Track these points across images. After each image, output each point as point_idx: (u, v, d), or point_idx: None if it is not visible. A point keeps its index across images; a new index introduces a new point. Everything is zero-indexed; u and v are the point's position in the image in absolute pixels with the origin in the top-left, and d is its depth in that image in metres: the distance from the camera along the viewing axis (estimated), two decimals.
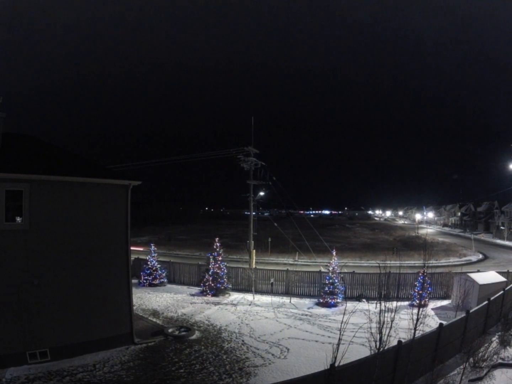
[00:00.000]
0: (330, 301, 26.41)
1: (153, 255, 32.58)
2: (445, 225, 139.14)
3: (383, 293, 20.93)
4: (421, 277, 25.32)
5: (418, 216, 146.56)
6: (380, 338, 11.43)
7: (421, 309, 13.00)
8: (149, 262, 32.57)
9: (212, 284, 28.92)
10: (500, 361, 16.67)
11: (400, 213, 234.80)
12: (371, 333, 11.62)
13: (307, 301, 27.78)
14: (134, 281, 26.66)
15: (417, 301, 23.54)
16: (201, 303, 27.00)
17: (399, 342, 13.44)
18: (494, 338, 19.17)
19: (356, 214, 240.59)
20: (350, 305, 24.25)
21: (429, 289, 27.12)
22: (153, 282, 32.07)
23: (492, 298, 20.50)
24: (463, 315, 17.71)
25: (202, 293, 29.35)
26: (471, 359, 15.74)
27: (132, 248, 21.33)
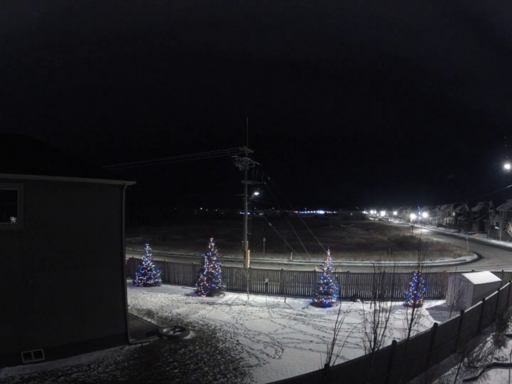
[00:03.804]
0: (324, 301, 26.43)
1: (147, 255, 32.51)
2: (439, 225, 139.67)
3: (377, 293, 21.01)
4: (416, 277, 25.35)
5: (412, 216, 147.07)
6: (375, 338, 11.43)
7: (415, 309, 13.00)
8: (143, 262, 32.51)
9: (207, 284, 28.89)
10: (494, 361, 16.71)
11: (395, 213, 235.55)
12: (366, 333, 11.61)
13: (301, 301, 27.80)
14: (128, 281, 26.56)
15: (412, 301, 23.60)
16: (196, 303, 26.97)
17: (394, 342, 13.47)
18: (488, 338, 19.22)
19: (351, 214, 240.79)
20: (344, 305, 24.29)
21: (424, 289, 27.19)
22: (147, 282, 32.02)
23: (486, 298, 20.57)
24: (458, 315, 17.76)
25: (197, 293, 29.33)
26: (465, 359, 15.77)
27: None
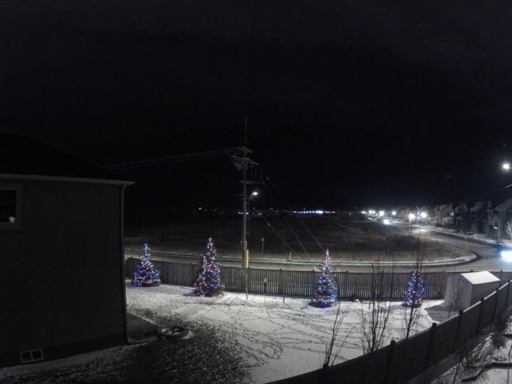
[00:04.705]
0: (323, 301, 26.45)
1: (146, 255, 32.51)
2: (438, 225, 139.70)
3: (376, 293, 21.04)
4: (415, 277, 25.37)
5: (411, 216, 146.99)
6: (374, 338, 11.44)
7: (414, 309, 13.01)
8: (142, 262, 32.50)
9: (206, 284, 28.89)
10: (493, 361, 16.75)
11: (394, 213, 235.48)
12: (365, 333, 11.62)
13: (300, 301, 27.81)
14: (127, 281, 26.60)
15: (411, 301, 23.63)
16: (195, 303, 26.97)
17: (393, 342, 13.47)
18: (487, 338, 19.25)
19: (350, 214, 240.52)
20: (343, 305, 24.26)
21: (423, 289, 27.21)
22: (146, 282, 32.00)
23: (485, 298, 20.59)
24: (457, 315, 17.77)
25: (196, 293, 29.32)
26: (464, 359, 15.79)
27: None
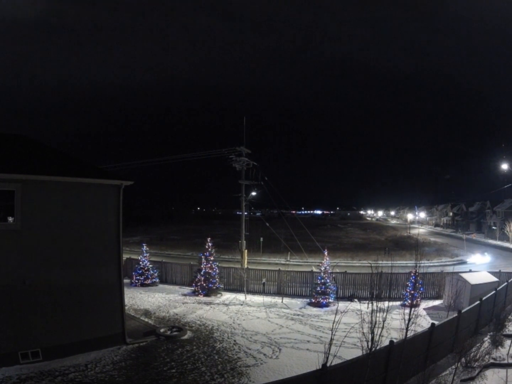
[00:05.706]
0: (322, 301, 26.44)
1: (145, 255, 32.48)
2: (437, 225, 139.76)
3: (375, 293, 21.09)
4: (413, 277, 25.39)
5: (410, 216, 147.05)
6: (372, 338, 11.43)
7: (413, 309, 13.01)
8: (141, 262, 32.48)
9: (204, 284, 28.88)
10: (492, 361, 16.74)
11: (392, 213, 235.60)
12: (363, 333, 11.60)
13: (299, 301, 27.81)
14: (126, 281, 26.58)
15: (409, 301, 23.61)
16: (193, 303, 26.96)
17: (391, 342, 13.46)
18: (486, 338, 19.24)
19: (348, 214, 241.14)
20: (342, 305, 24.33)
21: (421, 289, 27.20)
22: (145, 282, 31.99)
23: (484, 298, 20.59)
24: (455, 315, 17.78)
25: (194, 293, 29.31)
26: (463, 359, 15.77)
27: None
